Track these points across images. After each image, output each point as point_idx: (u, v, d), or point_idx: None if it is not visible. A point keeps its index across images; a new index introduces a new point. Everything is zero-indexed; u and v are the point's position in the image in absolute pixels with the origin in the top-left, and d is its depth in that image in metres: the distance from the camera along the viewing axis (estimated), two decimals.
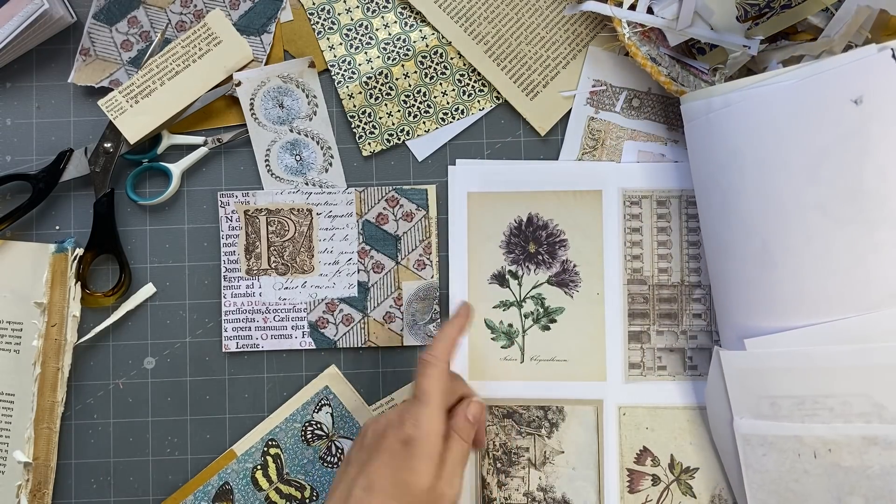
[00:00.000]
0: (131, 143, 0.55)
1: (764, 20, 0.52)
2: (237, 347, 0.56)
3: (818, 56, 0.51)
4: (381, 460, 0.43)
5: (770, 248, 0.46)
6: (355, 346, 0.56)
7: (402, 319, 0.56)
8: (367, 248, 0.56)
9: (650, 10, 0.52)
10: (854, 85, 0.43)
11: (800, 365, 0.46)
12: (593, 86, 0.56)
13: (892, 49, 0.43)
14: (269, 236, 0.56)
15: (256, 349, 0.56)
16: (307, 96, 0.56)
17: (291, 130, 0.56)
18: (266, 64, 0.56)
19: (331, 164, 0.56)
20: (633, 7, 0.52)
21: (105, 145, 0.55)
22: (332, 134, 0.57)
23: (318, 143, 0.56)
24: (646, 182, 0.56)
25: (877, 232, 0.43)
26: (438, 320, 0.56)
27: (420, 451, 0.42)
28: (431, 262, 0.56)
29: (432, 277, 0.56)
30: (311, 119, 0.56)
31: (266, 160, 0.56)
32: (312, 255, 0.56)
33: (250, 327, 0.56)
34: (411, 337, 0.56)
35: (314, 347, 0.56)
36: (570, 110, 0.57)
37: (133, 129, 0.55)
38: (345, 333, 0.56)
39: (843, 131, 0.44)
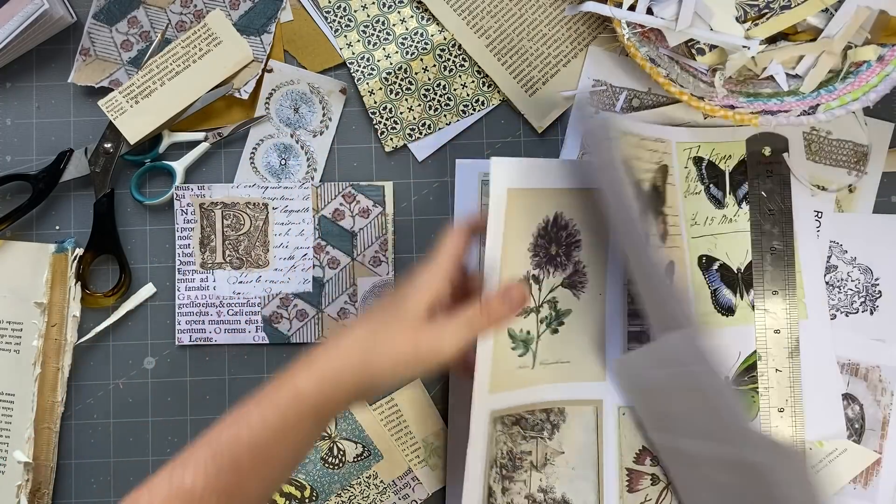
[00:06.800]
0: (131, 143, 0.55)
1: (764, 20, 0.52)
2: (190, 340, 0.56)
3: (818, 56, 0.51)
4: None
5: None
6: (309, 341, 0.56)
7: (356, 316, 0.56)
8: (323, 243, 0.56)
9: (650, 11, 0.52)
10: None
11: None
12: (593, 85, 0.56)
13: None
14: (225, 230, 0.56)
15: (210, 342, 0.56)
16: (324, 115, 0.56)
17: (292, 136, 0.56)
18: (265, 64, 0.56)
19: (310, 181, 0.56)
20: (632, 7, 0.52)
21: (105, 145, 0.55)
22: (324, 160, 0.57)
23: (308, 159, 0.56)
24: None
25: None
26: None
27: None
28: (387, 258, 0.56)
29: (388, 274, 0.56)
30: (314, 136, 0.56)
31: (253, 151, 0.56)
32: (268, 250, 0.56)
33: (203, 321, 0.56)
34: None
35: (267, 342, 0.56)
36: (568, 109, 0.57)
37: (133, 129, 0.55)
38: (298, 329, 0.56)
39: None
